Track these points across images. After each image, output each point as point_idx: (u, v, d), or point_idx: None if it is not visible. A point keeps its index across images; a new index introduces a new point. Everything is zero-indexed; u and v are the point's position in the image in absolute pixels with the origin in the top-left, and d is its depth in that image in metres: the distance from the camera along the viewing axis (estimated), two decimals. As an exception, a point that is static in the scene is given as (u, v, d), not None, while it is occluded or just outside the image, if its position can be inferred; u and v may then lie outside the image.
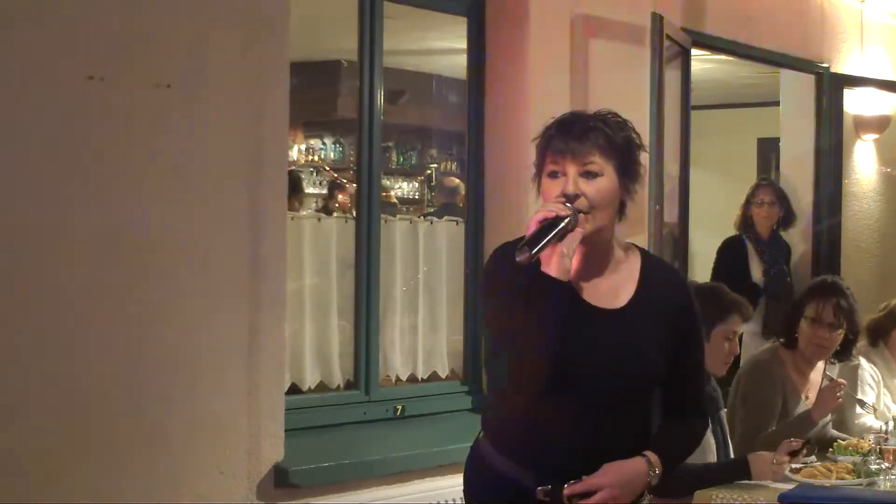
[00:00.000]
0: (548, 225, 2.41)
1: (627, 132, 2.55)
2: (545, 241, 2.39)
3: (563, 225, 2.41)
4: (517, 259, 2.37)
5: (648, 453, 2.56)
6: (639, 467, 2.54)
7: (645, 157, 2.62)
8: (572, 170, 2.48)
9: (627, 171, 2.53)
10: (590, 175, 2.48)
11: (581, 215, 2.45)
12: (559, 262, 2.42)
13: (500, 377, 2.58)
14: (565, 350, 2.45)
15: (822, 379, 4.55)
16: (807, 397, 4.47)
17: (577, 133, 2.49)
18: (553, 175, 2.50)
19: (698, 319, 2.71)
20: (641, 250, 2.68)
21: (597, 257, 2.57)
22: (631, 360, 2.54)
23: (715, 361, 3.90)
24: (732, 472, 3.80)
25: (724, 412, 4.05)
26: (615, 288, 2.58)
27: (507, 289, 2.49)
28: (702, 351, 2.74)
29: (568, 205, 2.44)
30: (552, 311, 2.42)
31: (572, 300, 2.50)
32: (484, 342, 2.59)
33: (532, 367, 2.44)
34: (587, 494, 2.50)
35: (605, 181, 2.49)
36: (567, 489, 2.50)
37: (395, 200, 8.62)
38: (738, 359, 4.17)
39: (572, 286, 2.50)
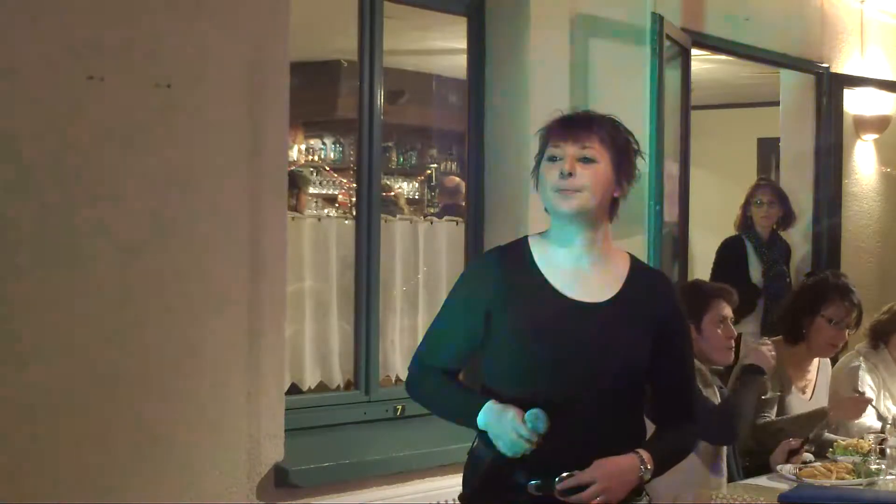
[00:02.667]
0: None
1: (626, 134, 2.66)
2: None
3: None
4: None
5: (640, 450, 2.60)
6: (631, 463, 2.57)
7: (641, 160, 2.70)
8: (571, 151, 2.58)
9: (623, 166, 2.63)
10: (587, 160, 2.58)
11: (575, 193, 2.56)
12: (500, 444, 2.58)
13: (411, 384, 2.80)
14: (544, 347, 2.55)
15: (818, 374, 4.56)
16: (804, 392, 4.47)
17: (579, 121, 2.62)
18: (552, 159, 2.61)
19: (686, 328, 2.80)
20: (631, 256, 2.74)
21: (582, 251, 2.64)
22: (613, 352, 2.58)
23: (714, 349, 3.94)
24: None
25: None
26: (599, 284, 2.64)
27: (463, 314, 2.66)
28: (690, 355, 2.80)
29: (533, 438, 2.52)
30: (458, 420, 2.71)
31: (554, 295, 2.58)
32: (429, 325, 2.74)
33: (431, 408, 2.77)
34: (580, 489, 2.52)
35: (601, 168, 2.59)
36: (560, 484, 2.53)
37: (394, 200, 8.56)
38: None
39: (552, 284, 2.60)
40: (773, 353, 4.01)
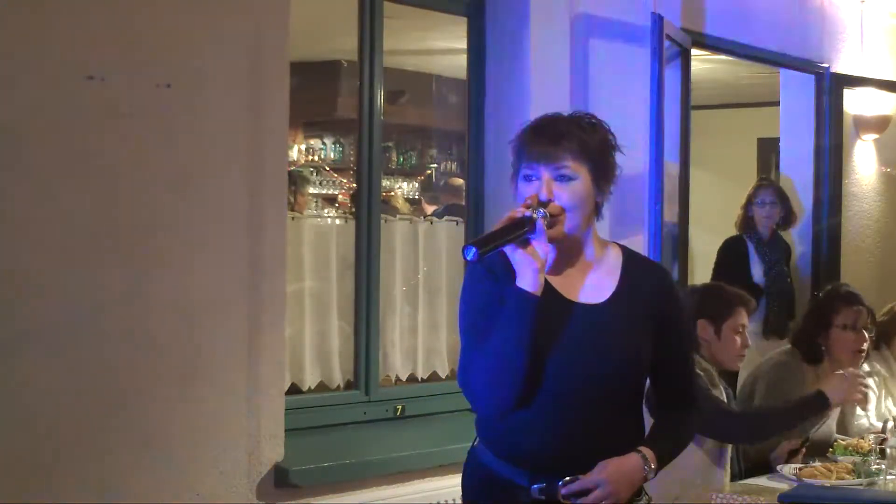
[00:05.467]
0: (507, 227, 2.44)
1: (602, 134, 2.58)
2: (495, 243, 2.42)
3: (519, 232, 2.44)
4: (464, 255, 2.39)
5: (643, 448, 2.57)
6: (634, 463, 2.54)
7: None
8: (546, 174, 2.52)
9: (602, 173, 2.56)
10: (564, 179, 2.52)
11: (553, 219, 2.49)
12: (533, 277, 2.45)
13: (478, 385, 2.55)
14: (543, 350, 2.48)
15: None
16: None
17: (550, 137, 2.53)
18: (528, 178, 2.55)
19: (683, 312, 2.75)
20: (622, 247, 2.70)
21: (573, 256, 2.60)
22: (614, 353, 2.55)
23: (729, 355, 3.99)
24: (813, 406, 3.94)
25: None
26: (596, 284, 2.60)
27: (482, 297, 2.55)
28: (688, 343, 2.79)
29: (541, 211, 2.47)
30: (524, 326, 2.45)
31: (551, 297, 2.52)
32: (460, 349, 2.61)
33: (506, 381, 2.47)
34: (585, 493, 2.50)
35: (579, 185, 2.52)
36: (564, 489, 2.50)
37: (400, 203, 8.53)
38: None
39: (549, 285, 2.53)
40: (863, 390, 3.98)
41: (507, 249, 2.47)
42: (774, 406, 4.10)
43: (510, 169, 2.62)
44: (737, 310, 3.99)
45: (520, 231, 2.45)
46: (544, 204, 2.49)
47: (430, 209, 7.93)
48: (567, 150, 2.51)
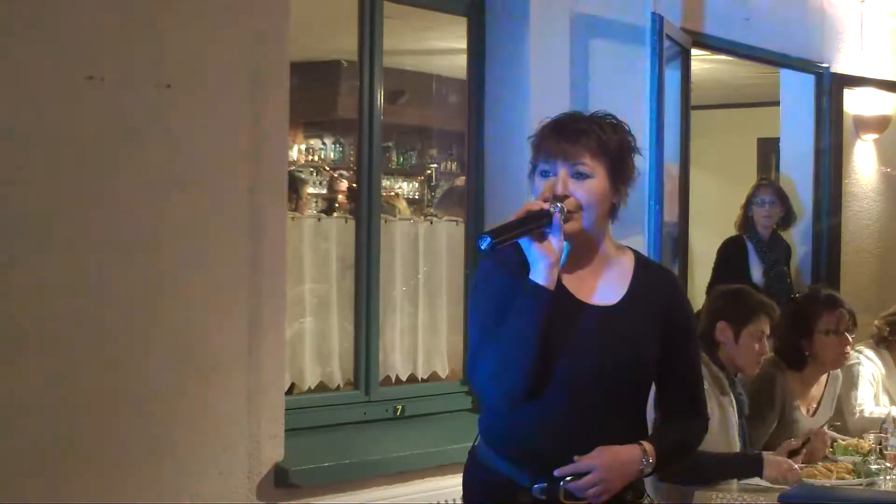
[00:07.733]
0: (522, 220, 2.45)
1: (622, 135, 2.59)
2: (511, 234, 2.44)
3: (534, 224, 2.45)
4: (479, 245, 2.41)
5: (644, 442, 2.57)
6: (632, 453, 2.54)
7: (641, 159, 2.65)
8: (563, 170, 2.53)
9: (619, 173, 2.57)
10: (580, 176, 2.52)
11: (569, 214, 2.49)
12: (547, 271, 2.46)
13: (486, 375, 2.56)
14: (552, 349, 2.49)
15: (825, 391, 4.51)
16: (808, 410, 4.44)
17: (569, 134, 2.54)
18: (544, 174, 2.56)
19: (692, 320, 2.77)
20: (635, 252, 2.71)
21: (587, 256, 2.61)
22: (622, 356, 2.55)
23: (747, 361, 4.00)
24: (748, 467, 3.79)
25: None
26: (607, 286, 2.61)
27: (494, 289, 2.55)
28: (697, 352, 2.77)
29: (558, 205, 2.48)
30: (535, 319, 2.46)
31: (563, 297, 2.53)
32: (469, 340, 2.62)
33: (513, 372, 2.48)
34: (579, 477, 2.50)
35: (596, 183, 2.53)
36: (557, 471, 2.50)
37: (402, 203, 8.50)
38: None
39: (562, 286, 2.54)
40: (791, 474, 3.78)
41: (523, 243, 2.48)
42: (711, 454, 3.75)
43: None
44: (759, 316, 4.00)
45: (536, 223, 2.46)
46: (561, 198, 2.50)
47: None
48: (585, 148, 2.52)
